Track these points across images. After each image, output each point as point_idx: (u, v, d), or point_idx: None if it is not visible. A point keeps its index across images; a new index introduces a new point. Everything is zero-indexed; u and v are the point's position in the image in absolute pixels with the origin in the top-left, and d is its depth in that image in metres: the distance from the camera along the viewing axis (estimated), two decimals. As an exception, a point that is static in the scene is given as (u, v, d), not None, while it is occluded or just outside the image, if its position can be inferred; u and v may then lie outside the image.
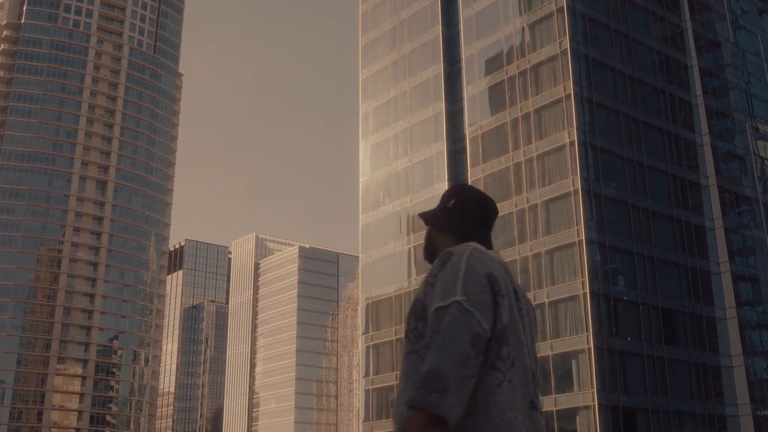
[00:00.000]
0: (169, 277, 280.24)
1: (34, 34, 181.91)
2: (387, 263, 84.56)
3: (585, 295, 66.74)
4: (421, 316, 3.79)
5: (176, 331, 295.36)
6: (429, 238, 4.32)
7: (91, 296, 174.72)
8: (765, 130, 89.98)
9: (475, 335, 3.53)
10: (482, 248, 3.90)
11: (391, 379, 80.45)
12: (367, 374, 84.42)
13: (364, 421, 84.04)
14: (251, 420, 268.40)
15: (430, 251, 4.29)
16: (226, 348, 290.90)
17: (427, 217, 4.31)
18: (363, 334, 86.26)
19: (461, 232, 4.16)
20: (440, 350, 3.49)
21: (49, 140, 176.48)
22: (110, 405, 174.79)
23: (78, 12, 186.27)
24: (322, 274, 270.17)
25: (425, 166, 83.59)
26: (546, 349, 67.34)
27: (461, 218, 4.20)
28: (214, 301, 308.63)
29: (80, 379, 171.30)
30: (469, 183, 77.46)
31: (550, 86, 73.83)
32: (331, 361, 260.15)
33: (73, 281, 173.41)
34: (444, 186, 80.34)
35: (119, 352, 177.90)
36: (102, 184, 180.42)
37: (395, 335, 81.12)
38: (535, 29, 76.99)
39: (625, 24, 79.09)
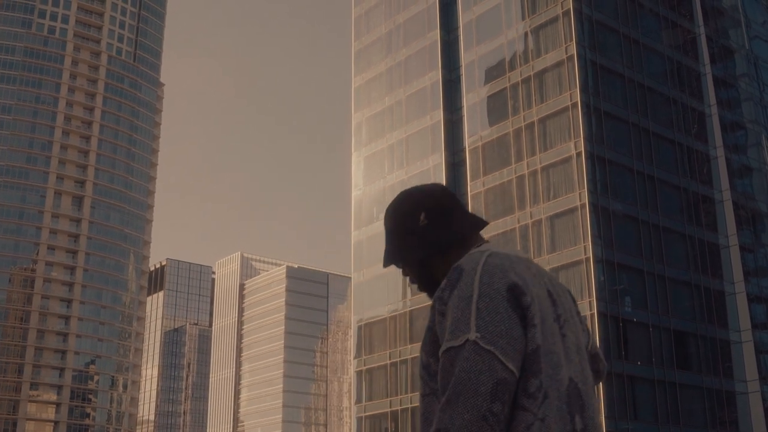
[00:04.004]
0: (149, 299, 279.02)
1: (7, 40, 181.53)
2: (380, 283, 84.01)
3: (592, 315, 66.17)
4: (434, 351, 3.15)
5: (156, 356, 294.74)
6: (419, 275, 3.47)
7: (67, 318, 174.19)
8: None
9: (499, 383, 2.87)
10: (498, 250, 3.21)
11: (384, 405, 79.88)
12: (359, 401, 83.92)
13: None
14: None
15: (430, 283, 3.45)
16: (209, 373, 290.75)
17: (403, 257, 3.45)
18: (354, 358, 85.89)
19: (460, 239, 3.40)
20: (452, 407, 2.86)
21: (22, 153, 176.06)
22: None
23: (53, 17, 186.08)
24: (311, 296, 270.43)
25: (422, 180, 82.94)
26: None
27: (449, 226, 3.41)
28: (196, 324, 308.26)
29: (55, 406, 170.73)
30: (469, 197, 77.09)
31: (555, 94, 73.41)
32: (320, 387, 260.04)
33: (47, 302, 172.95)
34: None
35: (96, 377, 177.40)
36: (78, 200, 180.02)
37: (389, 359, 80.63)
38: (539, 34, 76.63)
39: (634, 29, 78.75)
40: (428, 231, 3.37)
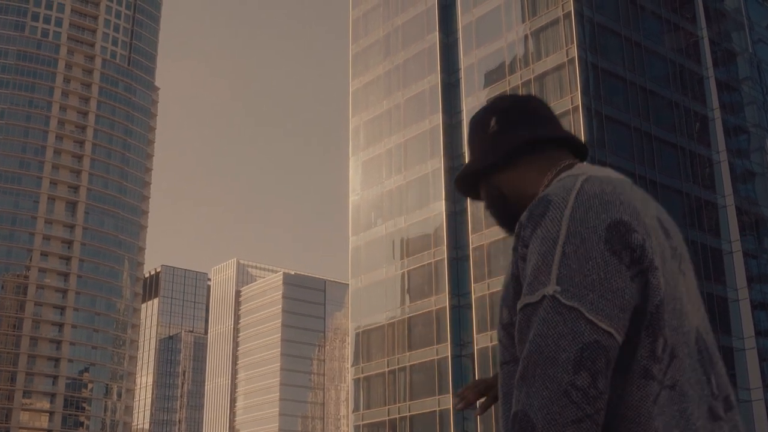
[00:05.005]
0: (143, 306, 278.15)
1: (0, 44, 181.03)
2: (378, 289, 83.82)
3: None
4: (515, 306, 2.47)
5: (151, 363, 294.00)
6: (492, 196, 2.90)
7: (60, 325, 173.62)
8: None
9: (586, 348, 2.23)
10: (596, 173, 2.54)
11: (383, 414, 79.61)
12: (356, 409, 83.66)
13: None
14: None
15: (504, 210, 2.87)
16: (204, 381, 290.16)
17: (472, 171, 2.92)
18: (352, 365, 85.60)
19: (533, 151, 2.81)
20: (528, 382, 2.26)
21: (15, 158, 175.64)
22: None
23: (47, 21, 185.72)
24: (308, 303, 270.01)
25: (421, 185, 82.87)
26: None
27: (523, 126, 2.84)
28: (192, 331, 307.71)
29: (48, 414, 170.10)
30: (468, 203, 76.86)
31: (555, 98, 73.12)
32: (317, 395, 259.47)
33: (40, 309, 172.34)
34: (441, 206, 79.64)
35: (90, 385, 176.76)
36: (72, 206, 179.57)
37: (387, 367, 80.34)
38: (539, 37, 76.43)
39: (636, 31, 78.55)
40: (496, 138, 2.85)
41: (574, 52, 72.63)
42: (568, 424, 2.19)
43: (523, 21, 78.00)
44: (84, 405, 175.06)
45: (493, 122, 2.87)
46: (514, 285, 2.50)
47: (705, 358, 2.47)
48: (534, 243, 2.39)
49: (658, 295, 2.35)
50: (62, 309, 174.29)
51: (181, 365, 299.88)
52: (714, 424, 2.42)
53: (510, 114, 2.87)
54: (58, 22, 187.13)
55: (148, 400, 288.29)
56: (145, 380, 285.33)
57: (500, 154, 2.82)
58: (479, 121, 2.93)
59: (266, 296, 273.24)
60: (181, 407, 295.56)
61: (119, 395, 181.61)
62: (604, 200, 2.39)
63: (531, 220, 2.44)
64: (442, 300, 77.64)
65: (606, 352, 2.25)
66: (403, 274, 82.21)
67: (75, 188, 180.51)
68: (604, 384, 2.24)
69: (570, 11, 73.83)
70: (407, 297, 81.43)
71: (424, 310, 78.86)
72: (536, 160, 2.79)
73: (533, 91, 74.80)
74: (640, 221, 2.40)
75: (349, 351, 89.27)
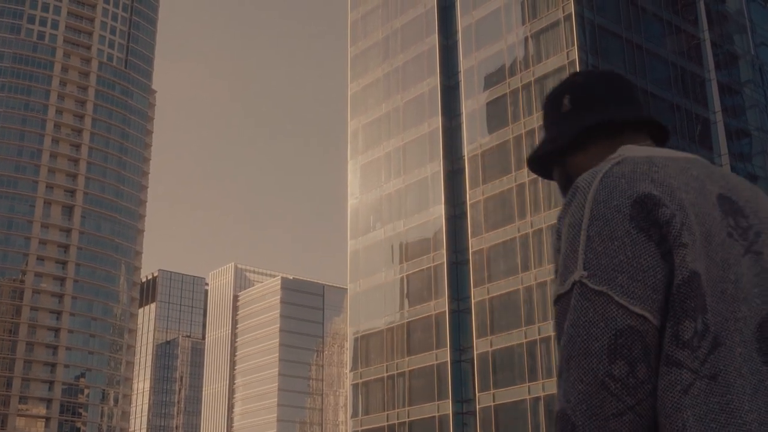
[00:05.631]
0: (140, 310, 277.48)
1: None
2: (377, 294, 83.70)
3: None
4: None
5: (148, 369, 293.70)
6: (561, 179, 2.77)
7: (56, 330, 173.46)
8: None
9: (620, 335, 2.09)
10: (637, 154, 2.39)
11: (381, 419, 79.46)
12: (355, 415, 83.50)
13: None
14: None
15: (563, 185, 2.79)
16: (202, 387, 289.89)
17: (539, 153, 2.78)
18: (351, 371, 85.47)
19: (605, 132, 2.63)
20: (565, 377, 2.14)
21: (10, 162, 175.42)
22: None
23: (43, 23, 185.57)
24: (307, 308, 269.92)
25: (420, 188, 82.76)
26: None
27: (598, 106, 2.66)
28: (189, 336, 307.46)
29: (44, 420, 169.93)
30: (468, 206, 76.81)
31: (556, 101, 72.99)
32: (315, 401, 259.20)
33: (36, 314, 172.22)
34: (440, 209, 79.57)
35: (86, 391, 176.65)
36: (68, 210, 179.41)
37: (386, 372, 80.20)
38: (539, 39, 76.35)
39: (637, 34, 78.44)
40: (568, 118, 2.69)
41: (575, 54, 72.51)
42: (610, 418, 2.07)
43: (523, 23, 77.91)
44: (80, 411, 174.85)
45: (566, 101, 2.74)
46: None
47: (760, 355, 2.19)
48: (564, 232, 2.30)
49: (680, 274, 2.15)
50: (58, 314, 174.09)
51: (179, 371, 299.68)
52: None
53: (585, 92, 2.73)
54: (54, 25, 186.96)
55: (145, 406, 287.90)
56: (142, 386, 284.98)
57: (569, 138, 2.69)
58: (553, 99, 2.80)
59: (264, 301, 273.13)
60: (178, 413, 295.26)
61: (116, 401, 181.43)
62: (632, 178, 2.27)
63: (563, 210, 2.35)
64: (441, 304, 77.47)
65: (642, 338, 2.11)
66: (402, 279, 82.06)
67: (71, 192, 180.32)
68: (646, 372, 2.10)
69: (570, 13, 73.73)
70: (406, 301, 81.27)
71: (424, 315, 78.70)
72: (608, 143, 2.62)
73: (533, 95, 74.75)
74: (674, 197, 2.24)
75: (348, 356, 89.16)
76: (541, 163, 2.83)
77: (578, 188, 2.31)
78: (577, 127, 2.67)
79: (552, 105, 2.79)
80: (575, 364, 2.11)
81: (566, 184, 2.72)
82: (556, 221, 2.38)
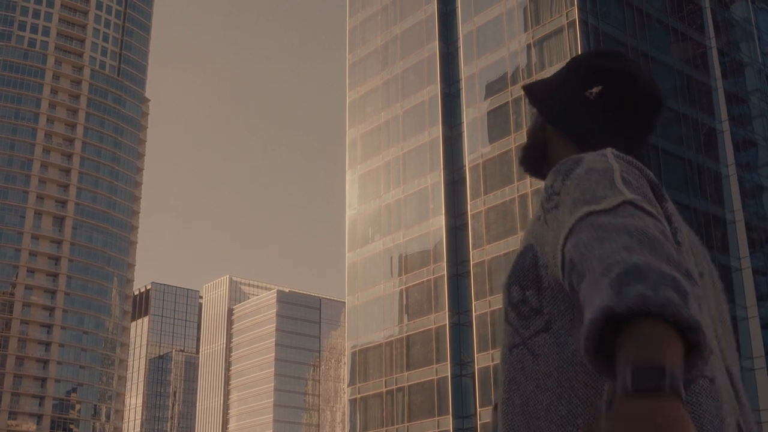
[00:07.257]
0: (133, 324, 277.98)
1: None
2: (376, 307, 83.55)
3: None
4: (532, 278, 2.17)
5: (141, 384, 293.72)
6: (537, 134, 2.63)
7: (47, 344, 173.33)
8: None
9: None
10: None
11: (380, 436, 79.30)
12: (353, 431, 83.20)
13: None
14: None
15: (534, 154, 2.64)
16: (196, 402, 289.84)
17: (544, 103, 2.62)
18: (348, 386, 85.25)
19: (608, 140, 2.42)
20: (625, 251, 1.80)
21: (0, 171, 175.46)
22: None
23: (34, 30, 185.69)
24: (303, 321, 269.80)
25: (420, 199, 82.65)
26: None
27: (612, 119, 2.49)
28: (183, 351, 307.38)
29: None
30: (469, 217, 76.62)
31: (559, 109, 72.94)
32: (312, 417, 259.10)
33: (26, 328, 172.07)
34: (441, 220, 79.42)
35: (78, 406, 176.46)
36: (59, 221, 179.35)
37: (385, 387, 80.00)
38: (542, 46, 76.25)
39: (643, 41, 78.37)
40: (586, 107, 2.50)
41: (579, 62, 72.37)
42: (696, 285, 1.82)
43: (526, 30, 77.82)
44: (72, 426, 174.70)
45: (596, 90, 2.52)
46: (530, 257, 2.22)
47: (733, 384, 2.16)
48: (570, 183, 2.12)
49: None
50: (49, 327, 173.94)
51: (172, 385, 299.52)
52: None
53: (618, 87, 2.53)
54: (46, 31, 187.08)
55: (138, 422, 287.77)
56: (134, 401, 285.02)
57: (571, 125, 2.54)
58: (584, 73, 2.57)
59: (260, 314, 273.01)
60: (171, 429, 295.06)
61: (108, 416, 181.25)
62: (641, 165, 2.21)
63: (560, 173, 2.20)
64: (441, 318, 77.28)
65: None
66: (401, 291, 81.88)
67: (62, 203, 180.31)
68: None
69: (574, 20, 73.63)
70: (405, 315, 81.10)
71: (423, 329, 78.50)
72: (603, 146, 2.37)
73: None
74: (667, 198, 2.21)
75: (345, 371, 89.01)
76: (552, 116, 2.61)
77: (585, 158, 2.20)
78: (589, 123, 2.51)
79: (573, 82, 2.58)
80: (647, 244, 1.83)
81: (536, 151, 2.64)
82: (548, 190, 2.23)
